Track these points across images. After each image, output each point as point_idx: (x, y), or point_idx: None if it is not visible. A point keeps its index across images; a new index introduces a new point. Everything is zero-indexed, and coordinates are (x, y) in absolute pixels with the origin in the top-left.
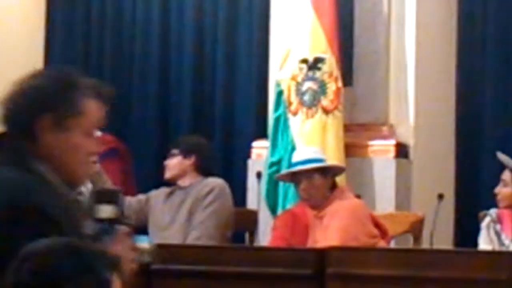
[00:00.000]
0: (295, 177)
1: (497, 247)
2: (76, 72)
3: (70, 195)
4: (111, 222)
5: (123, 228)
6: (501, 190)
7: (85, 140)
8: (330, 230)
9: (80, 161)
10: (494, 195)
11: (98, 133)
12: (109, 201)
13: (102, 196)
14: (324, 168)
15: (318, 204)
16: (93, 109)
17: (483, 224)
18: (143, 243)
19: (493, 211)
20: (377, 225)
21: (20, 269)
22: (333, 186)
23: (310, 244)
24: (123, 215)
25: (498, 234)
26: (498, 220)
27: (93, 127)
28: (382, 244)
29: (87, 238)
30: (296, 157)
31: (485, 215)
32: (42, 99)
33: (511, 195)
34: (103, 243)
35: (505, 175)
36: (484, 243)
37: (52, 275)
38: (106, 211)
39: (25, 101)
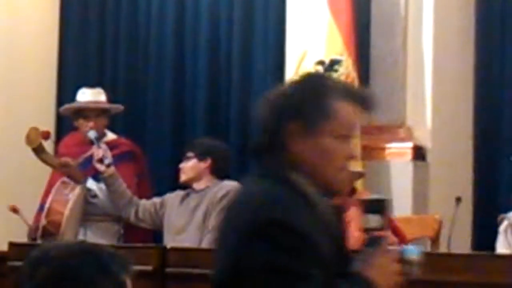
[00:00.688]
0: None
1: None
2: (324, 75)
3: (326, 204)
4: (378, 232)
5: (388, 239)
6: None
7: (338, 144)
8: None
9: (334, 166)
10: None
11: (114, 136)
12: (377, 211)
13: (371, 205)
14: None
15: None
16: (345, 112)
17: (501, 228)
18: (412, 254)
19: (511, 215)
20: (395, 231)
21: (35, 273)
22: (352, 191)
23: None
24: (387, 225)
25: None
26: None
27: (346, 130)
28: None
29: (347, 247)
30: None
31: (503, 219)
32: (289, 105)
33: None
34: (369, 254)
35: None
36: (502, 247)
37: (69, 278)
38: (374, 221)
39: (273, 109)
